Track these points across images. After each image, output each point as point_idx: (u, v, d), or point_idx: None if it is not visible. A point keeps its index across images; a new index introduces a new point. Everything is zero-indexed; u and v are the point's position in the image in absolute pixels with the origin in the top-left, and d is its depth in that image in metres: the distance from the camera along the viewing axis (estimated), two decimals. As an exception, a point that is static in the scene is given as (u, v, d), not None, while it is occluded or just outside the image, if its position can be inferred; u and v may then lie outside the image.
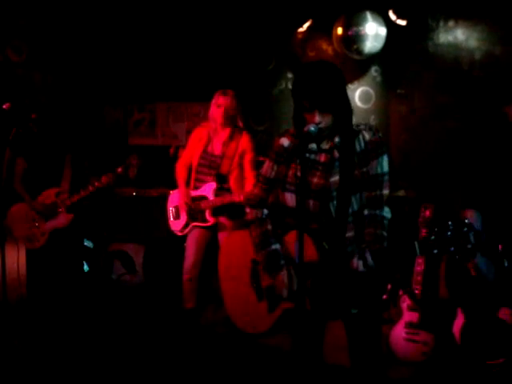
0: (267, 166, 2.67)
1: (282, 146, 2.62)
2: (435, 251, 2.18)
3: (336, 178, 2.51)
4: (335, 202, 2.51)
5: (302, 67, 2.57)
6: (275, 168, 2.64)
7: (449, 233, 2.14)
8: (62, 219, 4.34)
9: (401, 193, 4.53)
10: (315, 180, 2.54)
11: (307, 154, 2.54)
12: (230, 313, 2.83)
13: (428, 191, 4.58)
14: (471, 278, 2.91)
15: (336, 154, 2.53)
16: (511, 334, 2.99)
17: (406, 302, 3.85)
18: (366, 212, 2.50)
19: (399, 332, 3.79)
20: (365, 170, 2.50)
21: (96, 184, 4.25)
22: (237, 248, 2.84)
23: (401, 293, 3.90)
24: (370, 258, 2.34)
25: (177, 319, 4.44)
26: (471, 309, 3.07)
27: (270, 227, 2.65)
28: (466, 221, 2.13)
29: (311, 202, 2.53)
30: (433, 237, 2.18)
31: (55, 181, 4.40)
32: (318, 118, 2.43)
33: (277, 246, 2.60)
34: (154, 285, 5.27)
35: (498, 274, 2.78)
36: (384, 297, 4.15)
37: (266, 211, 2.68)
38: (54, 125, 4.49)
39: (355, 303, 2.55)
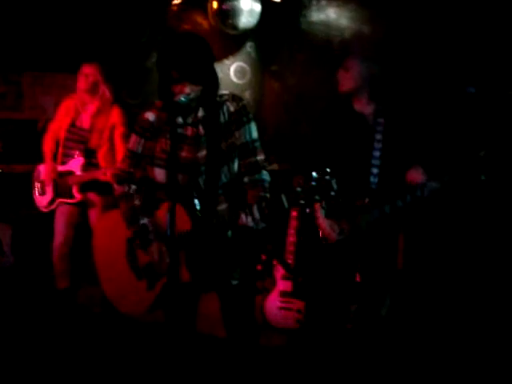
0: (133, 141, 2.64)
1: (148, 120, 2.59)
2: (302, 202, 2.27)
3: (203, 152, 2.55)
4: (204, 177, 2.54)
5: (170, 38, 2.56)
6: (142, 143, 2.61)
7: (313, 183, 2.23)
8: None
9: (274, 166, 4.64)
10: (183, 154, 2.55)
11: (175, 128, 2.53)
12: (111, 298, 2.76)
13: (300, 163, 4.71)
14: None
15: (201, 128, 2.56)
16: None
17: (279, 272, 3.99)
18: (245, 179, 2.58)
19: (273, 301, 3.92)
20: (230, 141, 2.55)
21: None
22: (110, 229, 2.78)
23: (275, 263, 4.04)
24: (257, 213, 2.42)
25: (50, 300, 4.28)
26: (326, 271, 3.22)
27: (137, 202, 2.63)
28: (328, 170, 2.23)
29: (180, 176, 2.53)
30: (299, 188, 2.27)
31: None
32: (187, 89, 2.44)
33: (145, 221, 2.59)
34: (24, 265, 5.05)
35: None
36: (258, 267, 4.27)
37: (133, 187, 2.66)
38: None
39: (234, 272, 2.61)
